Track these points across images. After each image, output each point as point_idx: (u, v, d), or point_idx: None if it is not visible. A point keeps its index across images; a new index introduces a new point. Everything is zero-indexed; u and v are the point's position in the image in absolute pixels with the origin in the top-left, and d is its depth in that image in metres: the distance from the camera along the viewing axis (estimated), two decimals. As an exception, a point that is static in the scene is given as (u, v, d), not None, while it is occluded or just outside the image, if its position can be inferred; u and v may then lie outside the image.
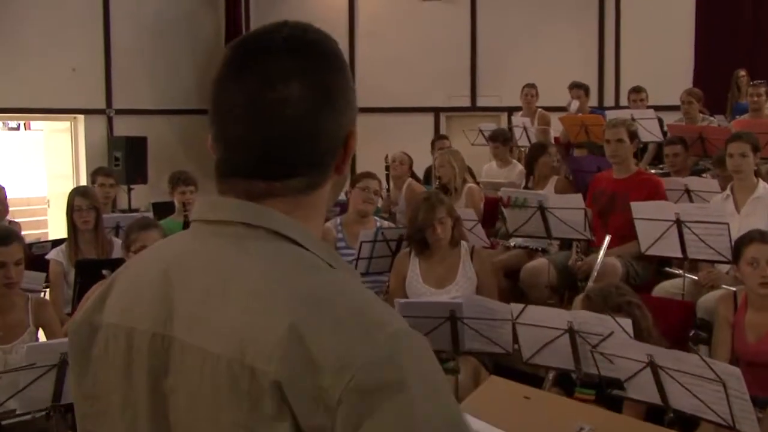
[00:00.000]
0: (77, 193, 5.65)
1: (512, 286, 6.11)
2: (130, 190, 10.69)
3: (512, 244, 6.28)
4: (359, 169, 10.93)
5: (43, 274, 4.62)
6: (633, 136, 5.70)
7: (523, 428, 2.19)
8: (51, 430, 3.34)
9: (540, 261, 5.74)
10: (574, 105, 8.93)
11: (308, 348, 1.03)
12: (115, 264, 4.60)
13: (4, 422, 3.32)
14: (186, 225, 6.17)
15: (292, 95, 1.16)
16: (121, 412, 1.19)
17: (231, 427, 1.06)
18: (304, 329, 1.03)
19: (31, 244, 5.74)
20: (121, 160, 10.90)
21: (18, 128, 17.64)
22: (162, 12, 11.80)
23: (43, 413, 3.25)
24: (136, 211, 8.26)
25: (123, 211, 9.37)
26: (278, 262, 1.13)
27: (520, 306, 3.96)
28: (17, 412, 3.22)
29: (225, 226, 1.17)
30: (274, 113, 1.16)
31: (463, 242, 4.99)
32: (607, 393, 3.81)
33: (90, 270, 4.52)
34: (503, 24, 11.71)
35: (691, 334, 4.91)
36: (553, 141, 8.97)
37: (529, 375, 4.47)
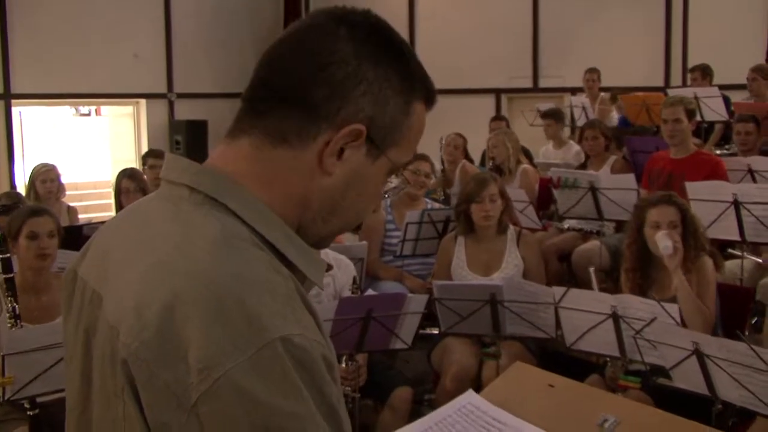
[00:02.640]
0: (125, 175, 5.68)
1: (565, 269, 5.94)
2: (192, 174, 10.80)
3: (566, 226, 6.10)
4: (426, 150, 10.98)
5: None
6: (691, 114, 5.45)
7: (545, 417, 2.08)
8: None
9: (592, 243, 5.56)
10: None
11: (176, 334, 0.95)
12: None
13: (39, 400, 3.33)
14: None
15: (331, 37, 1.09)
16: (70, 363, 1.18)
17: (112, 397, 1.02)
18: (180, 313, 0.95)
19: (81, 226, 5.80)
20: (181, 143, 11.03)
21: (89, 114, 17.99)
22: (222, -3, 11.90)
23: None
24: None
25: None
26: (197, 235, 1.03)
27: (563, 289, 3.80)
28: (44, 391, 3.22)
29: (174, 187, 1.11)
30: (297, 34, 1.11)
31: (510, 227, 4.84)
32: (653, 382, 3.65)
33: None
34: (566, 2, 11.41)
35: (753, 321, 4.69)
36: (616, 122, 8.71)
37: (577, 361, 4.32)
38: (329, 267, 1.23)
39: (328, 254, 4.55)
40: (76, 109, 17.35)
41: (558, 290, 3.81)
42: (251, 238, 1.06)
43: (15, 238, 3.81)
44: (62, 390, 1.27)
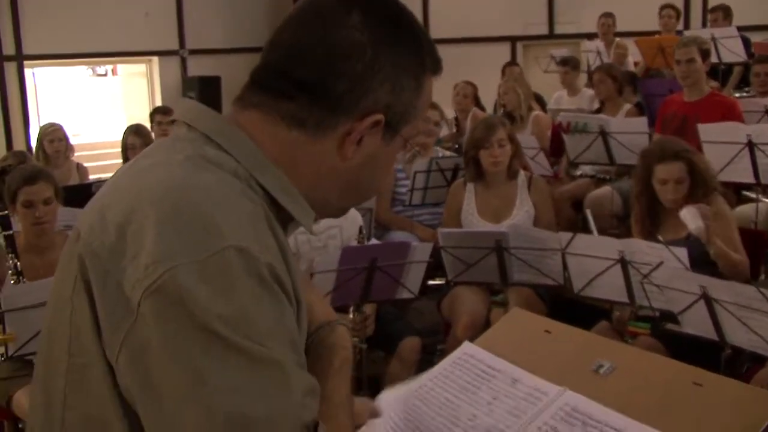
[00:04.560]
0: (131, 131, 5.64)
1: (578, 216, 5.85)
2: (206, 130, 10.78)
3: (579, 173, 6.00)
4: (440, 99, 10.85)
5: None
6: (705, 55, 5.29)
7: (539, 363, 2.03)
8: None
9: (604, 189, 5.47)
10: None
11: (133, 233, 0.95)
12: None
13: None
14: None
15: (345, 24, 1.08)
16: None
17: (66, 300, 1.02)
18: (140, 214, 0.96)
19: (90, 184, 5.78)
20: (195, 99, 10.95)
21: (105, 74, 17.94)
22: (232, -50, 11.73)
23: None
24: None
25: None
26: (177, 156, 1.04)
27: (569, 235, 3.74)
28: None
29: (177, 125, 1.14)
30: (310, 19, 1.09)
31: (521, 173, 4.74)
32: (662, 327, 3.59)
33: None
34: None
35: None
36: (632, 67, 8.53)
37: (589, 307, 4.26)
38: (317, 217, 1.21)
39: (334, 205, 4.50)
40: (92, 70, 17.32)
41: (565, 236, 3.75)
42: (235, 169, 1.05)
43: (12, 202, 3.77)
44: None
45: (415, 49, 1.12)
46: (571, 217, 5.83)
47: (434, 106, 5.71)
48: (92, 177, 7.12)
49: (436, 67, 1.17)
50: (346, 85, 1.07)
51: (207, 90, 10.90)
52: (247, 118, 1.11)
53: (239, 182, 1.04)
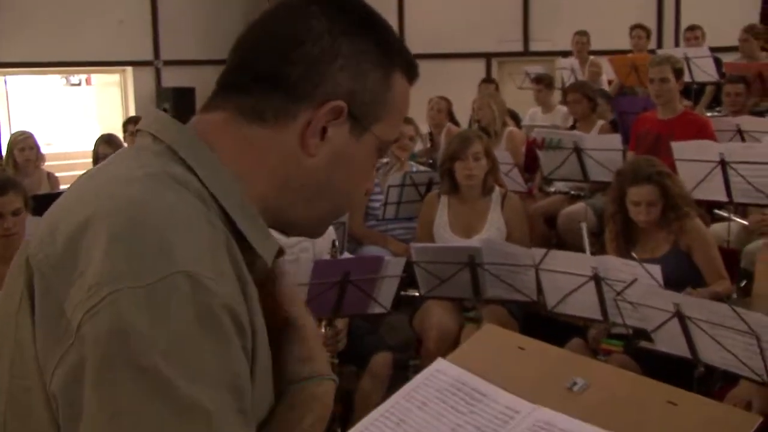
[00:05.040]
0: (102, 140, 5.58)
1: (552, 233, 5.86)
2: (178, 141, 10.72)
3: (552, 189, 6.01)
4: (415, 114, 10.86)
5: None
6: (679, 74, 5.33)
7: (513, 380, 2.01)
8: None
9: (578, 205, 5.48)
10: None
11: (81, 249, 0.89)
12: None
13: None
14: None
15: (303, 15, 1.06)
16: None
17: (12, 315, 0.96)
18: (92, 230, 0.89)
19: (60, 193, 5.70)
20: (169, 111, 10.88)
21: (79, 84, 17.80)
22: (208, -40, 11.69)
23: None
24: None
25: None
26: (139, 172, 0.97)
27: (543, 251, 3.72)
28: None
29: (141, 135, 1.07)
30: (269, 17, 1.08)
31: (496, 189, 4.73)
32: (635, 345, 3.58)
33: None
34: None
35: (742, 284, 4.61)
36: (606, 86, 8.60)
37: (563, 325, 4.24)
38: (282, 251, 1.13)
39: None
40: (66, 79, 17.17)
41: (538, 252, 3.73)
42: (198, 190, 0.99)
43: None
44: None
45: (381, 43, 1.08)
46: (544, 233, 5.84)
47: (408, 121, 5.69)
48: (63, 186, 7.03)
49: (409, 68, 1.13)
50: (302, 71, 1.03)
51: (181, 101, 10.84)
52: (209, 121, 1.07)
53: (203, 205, 0.98)
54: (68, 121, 14.55)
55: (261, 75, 1.05)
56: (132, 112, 11.20)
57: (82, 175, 1.10)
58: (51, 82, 15.98)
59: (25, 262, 0.95)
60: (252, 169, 1.05)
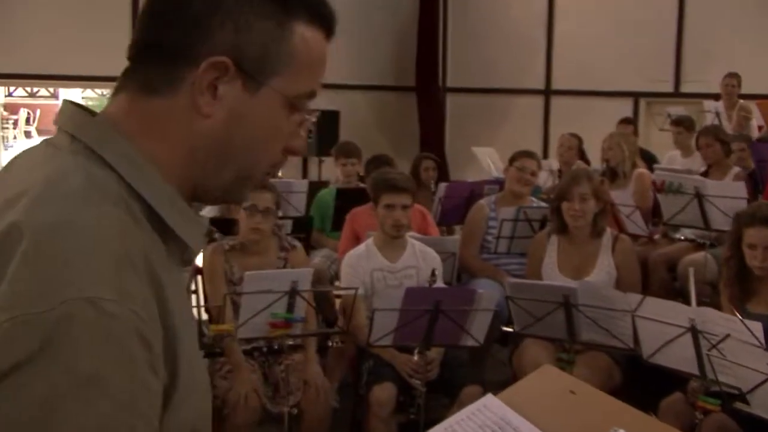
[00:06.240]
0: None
1: (674, 281, 5.63)
2: (320, 162, 11.00)
3: (678, 236, 5.78)
4: (552, 150, 10.74)
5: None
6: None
7: (557, 424, 1.97)
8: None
9: (699, 254, 5.24)
10: None
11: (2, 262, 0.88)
12: (225, 224, 4.70)
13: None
14: (339, 194, 6.21)
15: None
16: None
17: None
18: (3, 249, 0.89)
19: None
20: (313, 132, 11.20)
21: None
22: (362, -12, 11.99)
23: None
24: (326, 183, 8.41)
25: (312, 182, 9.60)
26: (57, 184, 0.97)
27: (639, 297, 3.60)
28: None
29: (60, 133, 1.06)
30: None
31: (607, 231, 4.61)
32: (730, 405, 3.40)
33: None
34: (715, 1, 10.81)
35: None
36: (756, 132, 8.19)
37: (667, 375, 4.04)
38: (210, 231, 1.17)
39: (414, 245, 4.52)
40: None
41: (634, 297, 3.61)
42: (119, 193, 0.99)
43: None
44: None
45: None
46: (665, 280, 5.61)
47: (531, 156, 5.65)
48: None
49: (314, 16, 1.09)
50: (181, 32, 1.01)
51: (326, 123, 11.11)
52: (118, 106, 1.06)
53: (119, 213, 0.97)
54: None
55: (148, 45, 1.04)
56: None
57: (7, 166, 1.10)
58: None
59: None
60: (161, 146, 1.04)
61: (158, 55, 1.03)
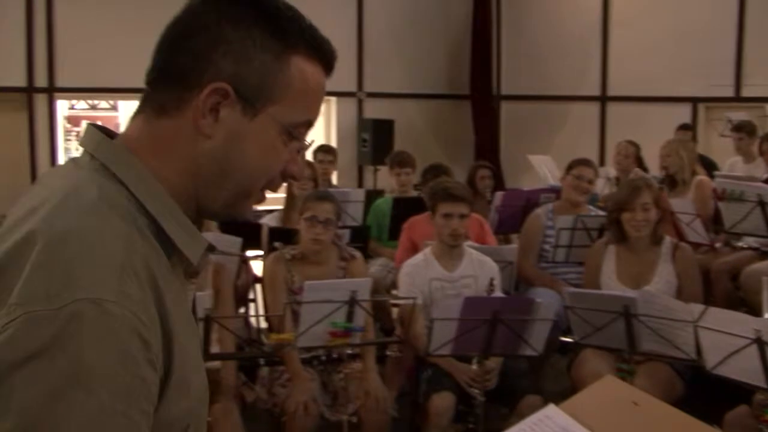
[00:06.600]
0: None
1: (738, 291, 5.52)
2: (375, 171, 11.05)
3: (741, 244, 5.67)
4: (608, 158, 10.63)
5: (240, 239, 4.85)
6: None
7: (620, 434, 1.96)
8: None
9: (763, 264, 5.13)
10: None
11: (12, 270, 0.99)
12: (285, 234, 4.75)
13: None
14: (396, 203, 6.24)
15: (198, 11, 1.16)
16: None
17: None
18: (24, 252, 0.99)
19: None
20: (368, 141, 11.26)
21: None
22: (415, -3, 12.04)
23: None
24: (381, 192, 8.47)
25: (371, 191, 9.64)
26: (74, 196, 1.08)
27: (702, 307, 3.54)
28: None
29: (83, 153, 1.18)
30: (178, 14, 1.17)
31: (666, 239, 4.55)
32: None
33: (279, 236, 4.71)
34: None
35: None
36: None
37: (732, 387, 3.98)
38: (212, 247, 1.22)
39: (472, 255, 4.52)
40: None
41: (697, 308, 3.56)
42: (127, 208, 1.10)
43: None
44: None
45: (271, 28, 1.14)
46: (728, 291, 5.51)
47: (588, 164, 5.61)
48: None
49: (314, 51, 1.18)
50: (189, 60, 1.12)
51: (380, 132, 11.15)
52: (133, 127, 1.18)
53: (126, 226, 1.07)
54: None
55: (160, 71, 1.15)
56: (334, 141, 11.65)
57: (38, 179, 1.23)
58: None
59: None
60: (167, 164, 1.15)
61: (168, 80, 1.15)
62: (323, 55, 1.20)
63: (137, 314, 1.00)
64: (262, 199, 1.26)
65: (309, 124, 1.21)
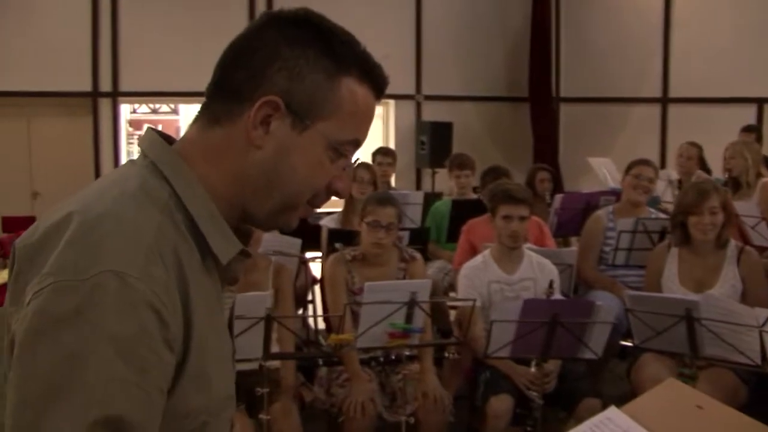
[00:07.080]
0: (359, 165, 5.92)
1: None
2: (434, 173, 11.05)
3: (808, 248, 5.54)
4: (669, 160, 10.45)
5: (299, 241, 4.90)
6: None
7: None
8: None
9: (831, 268, 5.00)
10: None
11: (50, 244, 1.07)
12: (345, 235, 4.78)
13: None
14: (455, 205, 6.24)
15: (258, 30, 1.23)
16: None
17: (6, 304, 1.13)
18: (62, 230, 1.07)
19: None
20: (426, 144, 11.29)
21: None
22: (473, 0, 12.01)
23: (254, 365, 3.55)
24: (440, 194, 8.49)
25: (431, 193, 9.65)
26: (119, 184, 1.16)
27: (767, 311, 3.48)
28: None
29: (140, 155, 1.25)
30: (242, 32, 1.25)
31: (732, 242, 4.48)
32: None
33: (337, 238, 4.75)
34: None
35: None
36: None
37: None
38: (247, 253, 1.27)
39: (531, 257, 4.51)
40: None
41: (762, 312, 3.49)
42: (166, 202, 1.16)
43: None
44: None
45: (324, 49, 1.20)
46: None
47: (648, 163, 5.54)
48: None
49: (364, 75, 1.23)
50: (245, 75, 1.19)
51: (438, 134, 11.17)
52: (188, 135, 1.25)
53: (160, 215, 1.13)
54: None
55: (218, 84, 1.22)
56: (392, 144, 11.69)
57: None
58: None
59: (13, 251, 1.14)
60: (216, 170, 1.21)
61: (224, 93, 1.22)
62: (374, 79, 1.25)
63: (159, 294, 1.06)
64: (309, 213, 1.31)
65: (356, 143, 1.26)
